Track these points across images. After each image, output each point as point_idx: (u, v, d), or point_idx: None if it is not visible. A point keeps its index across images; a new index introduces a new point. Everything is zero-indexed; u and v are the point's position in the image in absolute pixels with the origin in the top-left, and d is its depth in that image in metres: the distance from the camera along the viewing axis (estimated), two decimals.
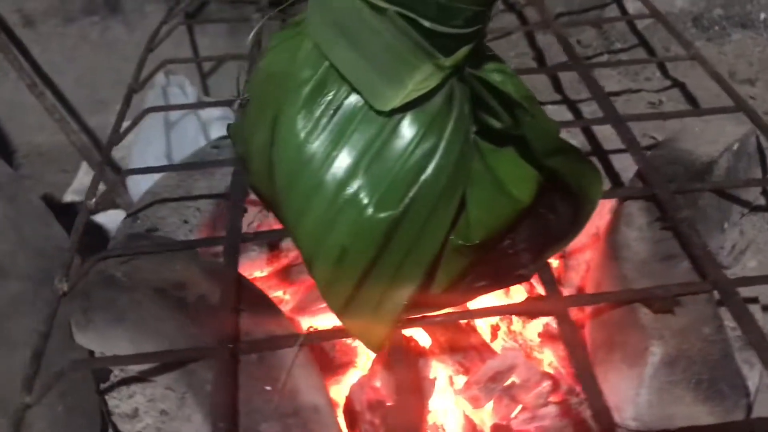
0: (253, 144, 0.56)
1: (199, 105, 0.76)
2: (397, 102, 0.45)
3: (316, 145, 0.46)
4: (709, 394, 0.48)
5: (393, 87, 0.45)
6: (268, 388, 0.47)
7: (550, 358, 0.67)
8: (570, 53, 0.77)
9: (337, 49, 0.46)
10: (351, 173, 0.46)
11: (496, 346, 0.68)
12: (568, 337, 0.47)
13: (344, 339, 0.57)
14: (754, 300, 0.59)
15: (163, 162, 0.97)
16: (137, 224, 0.70)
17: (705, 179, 0.60)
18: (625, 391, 0.50)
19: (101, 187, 0.70)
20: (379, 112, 0.46)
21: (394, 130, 0.46)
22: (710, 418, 0.49)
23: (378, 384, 0.60)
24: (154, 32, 0.94)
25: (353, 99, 0.47)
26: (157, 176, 0.78)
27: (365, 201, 0.45)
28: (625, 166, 0.71)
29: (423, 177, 0.45)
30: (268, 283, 0.73)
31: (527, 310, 0.49)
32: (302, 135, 0.46)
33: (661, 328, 0.50)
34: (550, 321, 0.69)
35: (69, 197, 1.17)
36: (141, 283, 0.55)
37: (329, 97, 0.47)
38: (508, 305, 0.50)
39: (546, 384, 0.61)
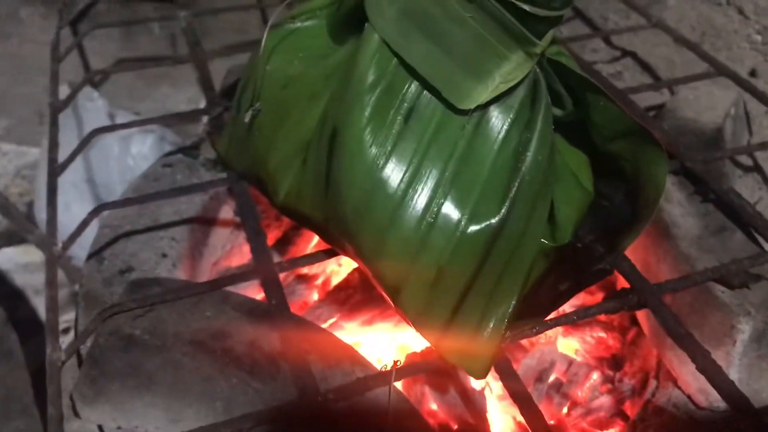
0: (272, 162, 0.49)
1: (160, 119, 0.66)
2: (484, 97, 0.40)
3: (392, 159, 0.41)
4: None
5: (478, 81, 0.40)
6: None
7: (574, 345, 0.64)
8: None
9: (410, 44, 0.40)
10: (437, 184, 0.41)
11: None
12: (671, 326, 0.44)
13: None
14: None
15: (84, 188, 0.85)
16: (105, 266, 0.60)
17: (719, 146, 0.60)
18: None
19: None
20: (460, 112, 0.41)
21: (477, 129, 0.42)
22: None
23: (434, 407, 0.56)
24: (54, 41, 0.81)
25: (427, 99, 0.41)
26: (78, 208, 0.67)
27: (458, 213, 0.41)
28: None
29: (519, 178, 0.41)
30: None
31: (619, 306, 0.46)
32: (374, 150, 0.41)
33: (743, 303, 0.48)
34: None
35: None
36: (170, 339, 0.46)
37: (400, 101, 0.41)
38: (599, 304, 0.46)
39: (596, 376, 0.59)
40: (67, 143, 0.83)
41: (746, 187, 0.69)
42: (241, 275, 0.49)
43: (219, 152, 0.58)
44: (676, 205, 0.55)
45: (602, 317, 0.62)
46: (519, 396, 0.41)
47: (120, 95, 1.09)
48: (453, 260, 0.40)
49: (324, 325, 0.64)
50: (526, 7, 0.38)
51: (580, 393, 0.58)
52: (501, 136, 0.41)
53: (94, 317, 0.47)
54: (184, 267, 0.61)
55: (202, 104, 0.71)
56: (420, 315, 0.42)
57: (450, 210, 0.40)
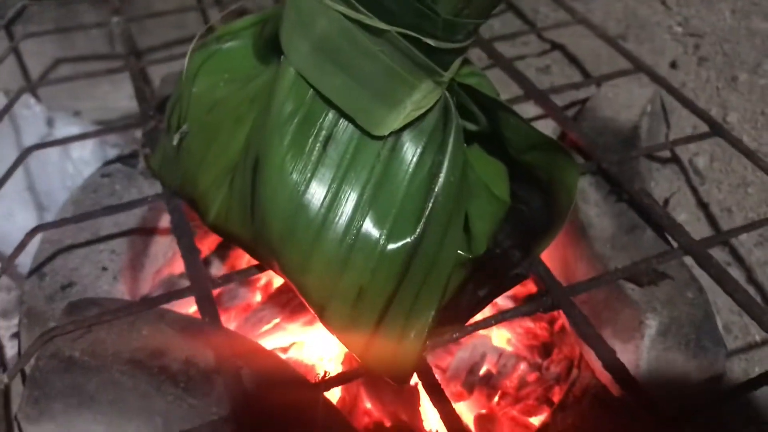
0: (201, 182, 0.51)
1: (95, 133, 0.67)
2: (396, 124, 0.43)
3: (312, 185, 0.43)
4: (696, 352, 0.52)
5: (390, 109, 0.43)
6: None
7: (506, 335, 0.68)
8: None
9: (325, 76, 0.42)
10: (356, 207, 0.43)
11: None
12: (580, 326, 0.47)
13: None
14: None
15: (26, 196, 0.85)
16: (46, 282, 0.61)
17: (636, 145, 0.63)
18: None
19: None
20: (375, 138, 0.43)
21: (392, 153, 0.44)
22: (698, 373, 0.53)
23: (369, 406, 0.58)
24: None
25: (344, 127, 0.43)
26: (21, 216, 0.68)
27: (377, 234, 0.43)
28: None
29: (433, 198, 0.43)
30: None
31: (534, 309, 0.49)
32: (294, 177, 0.43)
33: (651, 300, 0.52)
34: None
35: None
36: (108, 359, 0.48)
37: (317, 129, 0.43)
38: (515, 308, 0.49)
39: (523, 366, 0.62)
40: (6, 155, 0.84)
41: (665, 179, 0.73)
42: (176, 293, 0.51)
43: (152, 168, 0.60)
44: (593, 205, 0.59)
45: None
46: (432, 388, 0.44)
47: (60, 95, 1.08)
48: (373, 278, 0.43)
49: (267, 327, 0.66)
50: (431, 42, 0.40)
51: (509, 383, 0.62)
52: (415, 159, 0.44)
53: (35, 341, 0.49)
54: (125, 279, 0.62)
55: None
56: (344, 330, 0.44)
57: (369, 231, 0.43)
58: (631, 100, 0.68)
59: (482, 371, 0.63)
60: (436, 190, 0.43)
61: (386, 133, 0.43)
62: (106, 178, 0.71)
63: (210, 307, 0.49)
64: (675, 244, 0.53)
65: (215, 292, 0.50)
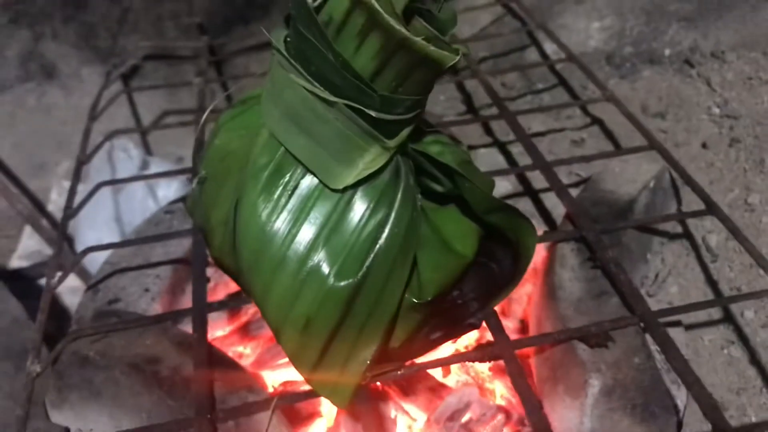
0: (212, 220, 0.60)
1: (152, 176, 0.79)
2: (349, 180, 0.50)
3: (277, 224, 0.50)
4: (644, 416, 0.54)
5: (345, 168, 0.50)
6: None
7: (501, 390, 0.72)
8: (495, 100, 0.83)
9: (291, 137, 0.50)
10: (311, 247, 0.50)
11: (451, 379, 0.73)
12: (515, 378, 0.52)
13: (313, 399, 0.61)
14: (678, 323, 0.65)
15: (113, 226, 0.99)
16: (99, 296, 0.72)
17: (627, 217, 0.66)
18: (570, 420, 0.56)
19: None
20: (334, 191, 0.50)
21: (348, 205, 0.51)
22: None
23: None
24: (95, 100, 0.96)
25: (308, 180, 0.51)
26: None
27: (326, 272, 0.50)
28: (555, 203, 0.77)
29: (377, 246, 0.50)
30: (229, 339, 0.76)
31: (479, 357, 0.54)
32: (264, 216, 0.50)
33: (597, 361, 0.55)
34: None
35: (15, 263, 1.17)
36: (114, 360, 0.57)
37: (286, 180, 0.51)
38: (462, 353, 0.55)
39: (500, 417, 0.66)
40: (102, 192, 0.98)
41: (672, 254, 0.74)
42: (178, 312, 0.60)
43: (187, 208, 0.70)
44: (568, 269, 0.62)
45: None
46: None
47: (166, 141, 1.24)
48: (320, 311, 0.50)
49: (283, 360, 0.74)
50: (372, 113, 0.47)
51: (483, 430, 0.65)
52: (366, 212, 0.50)
53: (63, 340, 0.59)
54: (162, 301, 0.72)
55: None
56: (294, 354, 0.51)
57: (319, 268, 0.50)
58: (636, 175, 0.71)
59: (464, 419, 0.67)
60: (381, 239, 0.50)
61: (341, 187, 0.50)
62: (168, 214, 0.83)
63: (201, 328, 0.57)
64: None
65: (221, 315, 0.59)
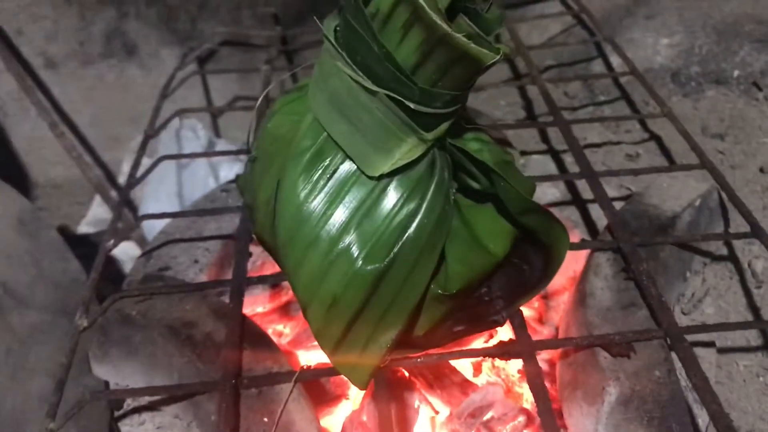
0: (258, 199, 0.63)
1: (210, 154, 0.83)
2: (385, 169, 0.51)
3: (314, 204, 0.53)
4: (660, 431, 0.54)
5: (382, 156, 0.51)
6: (266, 419, 0.53)
7: (528, 394, 0.72)
8: (552, 108, 0.84)
9: (334, 123, 0.52)
10: (343, 229, 0.52)
11: (481, 379, 0.74)
12: (532, 377, 0.53)
13: (334, 377, 0.63)
14: (711, 344, 0.65)
15: (175, 200, 1.03)
16: (151, 263, 0.76)
17: (668, 233, 0.66)
18: (585, 427, 0.56)
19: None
20: (370, 178, 0.52)
21: (382, 193, 0.52)
22: None
23: (365, 418, 0.66)
24: (168, 79, 1.01)
25: (347, 166, 0.53)
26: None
27: (355, 254, 0.52)
28: (600, 214, 0.77)
29: (406, 235, 0.51)
30: (269, 317, 0.79)
31: (498, 353, 0.55)
32: (302, 196, 0.53)
33: (617, 370, 0.55)
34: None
35: (83, 229, 1.23)
36: (154, 321, 0.61)
37: (326, 163, 0.53)
38: (482, 348, 0.56)
39: (521, 419, 0.67)
40: (167, 167, 1.03)
41: (714, 275, 0.73)
42: (217, 282, 0.63)
43: (238, 185, 0.73)
44: (602, 278, 0.63)
45: None
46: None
47: (234, 125, 1.28)
48: (346, 291, 0.52)
49: None
50: (411, 105, 0.49)
51: (504, 430, 0.66)
52: (400, 201, 0.52)
53: (108, 298, 0.63)
54: (209, 273, 0.76)
55: None
56: (318, 331, 0.53)
57: (348, 251, 0.52)
58: (682, 192, 0.70)
59: (486, 417, 0.68)
60: (410, 228, 0.51)
61: (377, 175, 0.52)
62: (224, 192, 0.86)
63: (238, 299, 0.60)
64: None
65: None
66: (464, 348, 0.57)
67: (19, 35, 1.17)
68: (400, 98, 0.49)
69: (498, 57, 0.47)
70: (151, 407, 0.63)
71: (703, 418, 0.58)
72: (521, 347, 0.55)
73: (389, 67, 0.48)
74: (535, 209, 0.56)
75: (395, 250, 0.51)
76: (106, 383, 0.65)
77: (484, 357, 0.58)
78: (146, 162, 0.86)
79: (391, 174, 0.52)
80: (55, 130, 1.10)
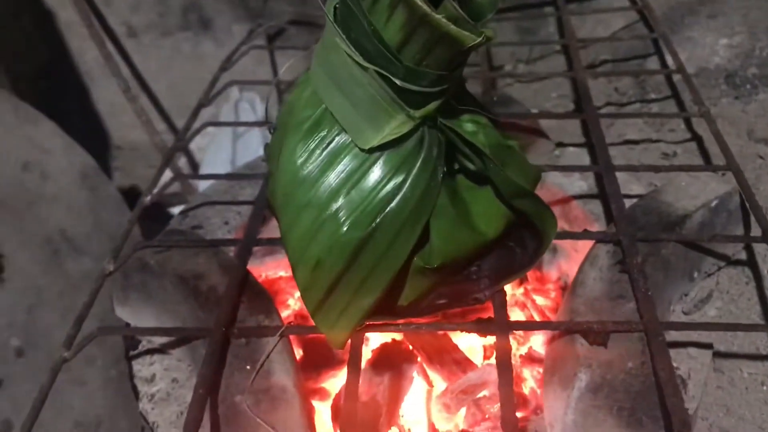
0: (272, 166, 0.67)
1: (244, 123, 0.88)
2: (375, 142, 0.54)
3: (309, 170, 0.56)
4: (630, 422, 0.54)
5: (373, 130, 0.54)
6: (248, 367, 0.57)
7: (531, 380, 0.73)
8: (586, 101, 0.84)
9: (331, 95, 0.55)
10: (332, 197, 0.55)
11: (490, 362, 0.76)
12: (500, 353, 0.54)
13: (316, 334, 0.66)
14: (708, 346, 0.64)
15: (228, 167, 1.10)
16: (186, 221, 0.82)
17: (675, 231, 0.65)
18: (557, 410, 0.57)
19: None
20: (362, 150, 0.55)
21: (372, 165, 0.55)
22: None
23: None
24: (231, 53, 1.07)
25: (342, 138, 0.56)
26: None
27: (341, 220, 0.55)
28: None
29: (389, 207, 0.54)
30: (291, 282, 0.83)
31: (474, 328, 0.57)
32: (298, 162, 0.56)
33: (591, 358, 0.56)
34: (532, 345, 0.76)
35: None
36: (168, 271, 0.66)
37: (323, 134, 0.56)
38: (459, 322, 0.58)
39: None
40: (222, 137, 1.09)
41: (728, 278, 0.72)
42: (229, 240, 0.67)
43: (265, 154, 0.77)
44: (596, 269, 0.63)
45: None
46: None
47: None
48: (329, 255, 0.55)
49: None
50: (398, 82, 0.51)
51: (492, 409, 0.68)
52: (388, 174, 0.55)
53: (132, 247, 0.69)
54: (237, 234, 0.80)
55: None
56: (304, 289, 0.57)
57: (335, 217, 0.55)
58: (700, 192, 0.69)
59: (479, 395, 0.70)
60: (393, 201, 0.54)
61: (367, 147, 0.54)
62: (264, 161, 0.91)
63: (243, 256, 0.64)
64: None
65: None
66: (444, 321, 0.59)
67: (107, 5, 1.25)
68: (387, 74, 0.51)
69: (478, 40, 0.49)
70: (161, 350, 0.68)
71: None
72: (497, 327, 0.56)
73: (377, 44, 0.51)
74: (527, 194, 0.57)
75: (378, 220, 0.54)
76: (127, 324, 0.71)
77: (444, 332, 0.60)
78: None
79: (382, 148, 0.55)
80: (127, 95, 1.18)
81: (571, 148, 0.91)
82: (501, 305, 0.58)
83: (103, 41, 1.20)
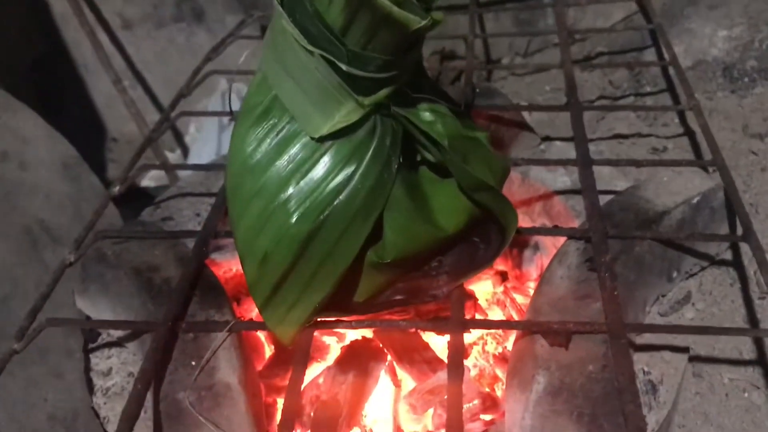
0: None
1: (221, 114, 0.86)
2: (324, 130, 0.52)
3: (259, 158, 0.54)
4: (591, 428, 0.51)
5: (322, 117, 0.52)
6: (193, 363, 0.55)
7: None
8: (571, 93, 0.81)
9: (280, 81, 0.53)
10: (282, 186, 0.53)
11: (469, 362, 0.73)
12: (453, 352, 0.52)
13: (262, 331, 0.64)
14: (684, 350, 0.60)
15: (214, 157, 1.08)
16: (157, 213, 0.80)
17: (651, 228, 0.62)
18: (515, 413, 0.55)
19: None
20: (312, 138, 0.53)
21: (323, 155, 0.53)
22: None
23: (321, 381, 0.67)
24: (217, 44, 1.05)
25: (293, 125, 0.54)
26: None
27: (290, 211, 0.52)
28: None
29: (338, 199, 0.52)
30: None
31: (428, 327, 0.54)
32: (248, 150, 0.54)
33: (550, 360, 0.53)
34: (509, 345, 0.73)
35: (144, 182, 1.31)
36: (125, 262, 0.64)
37: (273, 121, 0.54)
38: (413, 319, 0.55)
39: (476, 402, 0.65)
40: (211, 127, 1.08)
41: (711, 279, 0.68)
42: (187, 232, 0.65)
43: None
44: (564, 267, 0.60)
45: None
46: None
47: None
48: (277, 248, 0.53)
49: None
50: (343, 67, 0.49)
51: None
52: (338, 165, 0.52)
53: (93, 238, 0.67)
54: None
55: None
56: (252, 284, 0.54)
57: (284, 208, 0.52)
58: (681, 188, 0.66)
59: (446, 396, 0.67)
60: (343, 193, 0.52)
61: (317, 136, 0.52)
62: None
63: (199, 248, 0.63)
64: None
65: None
66: (398, 318, 0.56)
67: None
68: (332, 59, 0.49)
69: (423, 23, 0.47)
70: (119, 343, 0.66)
71: (649, 423, 0.55)
72: (452, 323, 0.54)
73: (320, 27, 0.48)
74: (487, 188, 0.55)
75: (327, 212, 0.52)
76: (88, 317, 0.70)
77: (415, 330, 0.58)
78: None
79: (333, 137, 0.53)
80: (117, 86, 1.17)
81: (558, 143, 0.87)
82: (458, 302, 0.55)
83: (91, 30, 1.19)
